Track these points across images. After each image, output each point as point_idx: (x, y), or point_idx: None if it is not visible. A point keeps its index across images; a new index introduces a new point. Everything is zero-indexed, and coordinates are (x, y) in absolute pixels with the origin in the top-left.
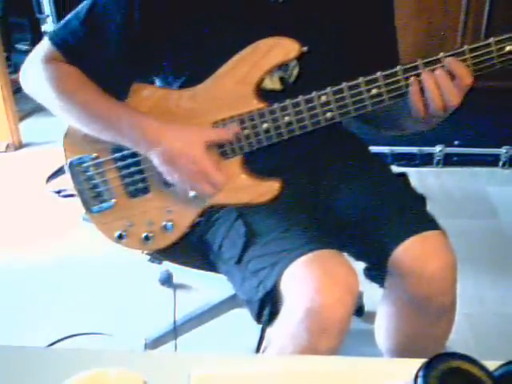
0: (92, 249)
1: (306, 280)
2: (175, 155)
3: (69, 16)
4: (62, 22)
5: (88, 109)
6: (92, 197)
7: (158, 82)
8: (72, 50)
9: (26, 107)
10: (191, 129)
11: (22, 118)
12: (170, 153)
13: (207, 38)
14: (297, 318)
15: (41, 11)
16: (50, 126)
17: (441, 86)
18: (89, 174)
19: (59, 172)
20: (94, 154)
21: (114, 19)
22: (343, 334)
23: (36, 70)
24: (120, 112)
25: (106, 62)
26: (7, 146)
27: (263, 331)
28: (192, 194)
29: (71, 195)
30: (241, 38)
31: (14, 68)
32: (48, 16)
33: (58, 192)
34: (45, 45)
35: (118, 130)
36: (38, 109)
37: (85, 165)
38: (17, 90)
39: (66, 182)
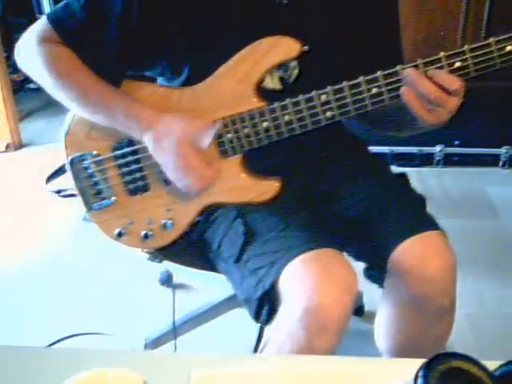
0: (92, 249)
1: (304, 279)
2: (161, 145)
3: None
4: (63, 3)
5: (82, 92)
6: (92, 194)
7: (159, 81)
8: (69, 33)
9: (26, 107)
10: (181, 119)
11: (21, 118)
12: (157, 142)
13: (208, 38)
14: (295, 316)
15: (41, 11)
16: (50, 126)
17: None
18: (89, 171)
19: (59, 172)
20: (95, 152)
21: (114, 7)
22: (341, 333)
23: (31, 48)
24: (114, 96)
25: (102, 48)
26: (7, 146)
27: (261, 330)
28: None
29: (71, 195)
30: (242, 37)
31: (14, 68)
32: None
33: (58, 192)
34: (42, 24)
35: (111, 114)
36: (38, 109)
37: (85, 162)
38: (17, 89)
39: (66, 182)
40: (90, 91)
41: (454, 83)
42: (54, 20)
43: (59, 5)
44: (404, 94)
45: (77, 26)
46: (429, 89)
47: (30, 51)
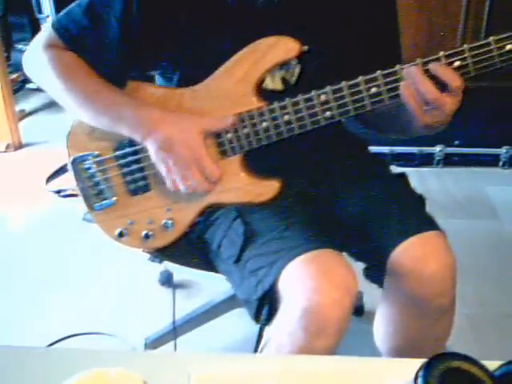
0: (92, 249)
1: (304, 279)
2: (172, 140)
3: (72, 4)
4: (65, 9)
5: (86, 94)
6: (94, 194)
7: (157, 78)
8: (73, 39)
9: (26, 107)
10: (189, 117)
11: (21, 118)
12: (167, 138)
13: (206, 37)
14: (294, 316)
15: (41, 11)
16: (49, 125)
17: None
18: (91, 171)
19: (59, 172)
20: (96, 152)
21: (114, 10)
22: (341, 334)
23: (37, 55)
24: (118, 97)
25: (104, 50)
26: (7, 146)
27: (261, 330)
28: (183, 187)
29: (71, 195)
30: (240, 37)
31: (14, 68)
32: (48, 16)
33: (58, 192)
34: (47, 31)
35: (115, 115)
36: (37, 109)
37: (87, 162)
38: (17, 89)
39: (65, 182)
40: (93, 92)
41: (455, 80)
42: (58, 27)
43: (61, 12)
44: (403, 90)
45: (79, 31)
46: (428, 88)
47: (37, 59)
